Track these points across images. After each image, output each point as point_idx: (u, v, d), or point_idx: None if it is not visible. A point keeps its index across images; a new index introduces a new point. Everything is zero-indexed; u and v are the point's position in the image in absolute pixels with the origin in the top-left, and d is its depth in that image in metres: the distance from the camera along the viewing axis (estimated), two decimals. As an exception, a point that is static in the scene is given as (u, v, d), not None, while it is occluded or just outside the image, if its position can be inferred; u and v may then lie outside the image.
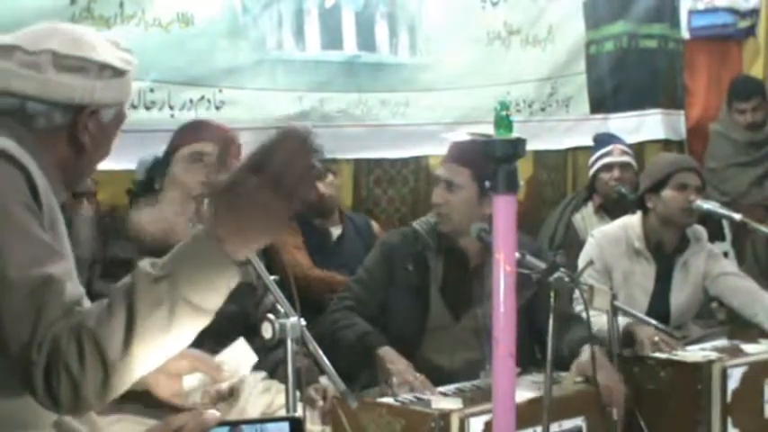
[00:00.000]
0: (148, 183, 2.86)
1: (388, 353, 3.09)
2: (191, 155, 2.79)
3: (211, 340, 2.74)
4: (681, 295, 3.99)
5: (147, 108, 4.02)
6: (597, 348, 3.05)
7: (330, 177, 4.34)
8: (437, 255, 3.33)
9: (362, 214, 4.63)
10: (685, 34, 6.44)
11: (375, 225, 4.49)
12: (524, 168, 5.43)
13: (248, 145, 4.72)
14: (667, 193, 3.91)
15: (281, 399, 2.50)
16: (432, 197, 3.38)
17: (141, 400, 2.63)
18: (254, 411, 2.72)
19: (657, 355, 3.43)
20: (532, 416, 2.67)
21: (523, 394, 2.79)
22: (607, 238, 4.00)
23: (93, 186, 3.63)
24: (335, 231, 4.38)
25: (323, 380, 2.73)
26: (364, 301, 3.32)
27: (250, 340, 2.84)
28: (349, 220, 4.42)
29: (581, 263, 3.91)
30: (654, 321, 3.53)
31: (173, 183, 2.79)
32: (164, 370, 1.93)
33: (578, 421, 2.93)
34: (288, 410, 2.28)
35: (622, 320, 3.55)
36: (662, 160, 4.21)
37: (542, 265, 2.84)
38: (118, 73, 1.87)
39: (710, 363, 3.30)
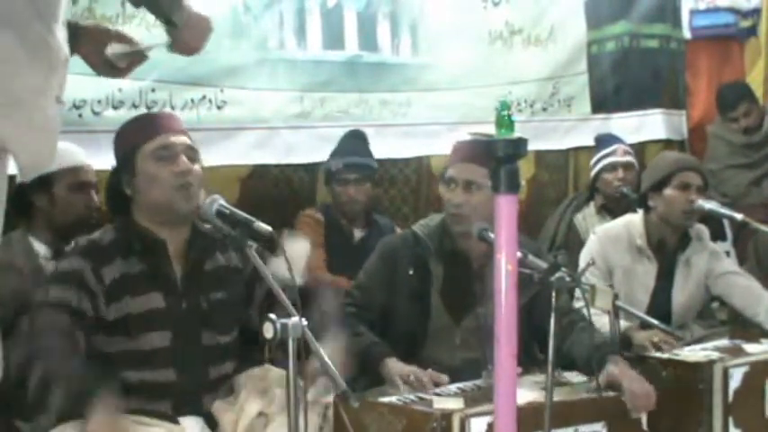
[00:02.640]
0: (117, 190, 2.83)
1: (394, 363, 3.08)
2: (157, 150, 2.76)
3: (210, 331, 2.78)
4: (682, 294, 3.99)
5: (149, 108, 4.02)
6: (619, 356, 3.06)
7: (368, 185, 4.35)
8: (438, 257, 3.32)
9: (388, 218, 4.61)
10: (687, 34, 6.44)
11: (399, 230, 4.48)
12: (525, 168, 5.43)
13: (249, 144, 4.75)
14: (669, 192, 3.91)
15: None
16: (446, 198, 3.30)
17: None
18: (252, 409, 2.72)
19: (659, 354, 3.43)
20: (542, 419, 2.64)
21: (526, 395, 2.79)
22: (609, 236, 4.00)
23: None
24: (358, 233, 4.38)
25: (323, 379, 2.73)
26: (366, 306, 3.30)
27: (243, 332, 2.87)
28: (375, 225, 4.41)
29: (582, 261, 3.92)
30: (655, 321, 3.54)
31: (148, 183, 2.76)
32: None
33: (598, 427, 2.91)
34: (289, 410, 2.28)
35: (622, 324, 3.56)
36: (664, 159, 4.20)
37: (544, 265, 2.84)
38: None
39: (712, 363, 3.30)
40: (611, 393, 2.99)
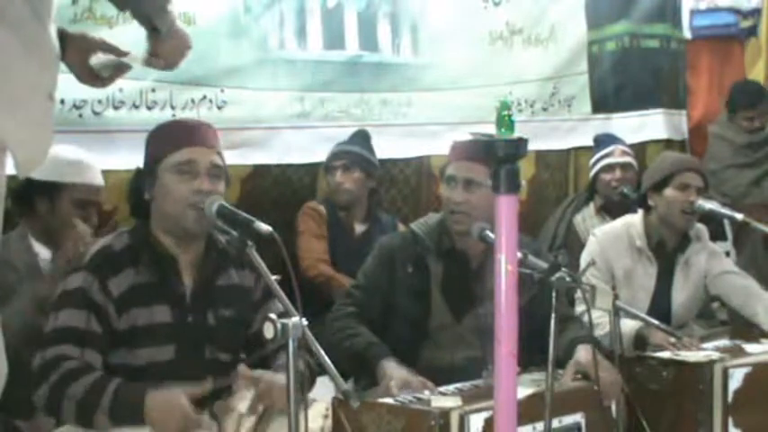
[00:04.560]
0: (137, 192, 2.81)
1: (389, 365, 3.08)
2: (179, 164, 2.71)
3: (212, 346, 2.77)
4: (682, 294, 3.99)
5: (149, 108, 4.02)
6: (591, 346, 3.06)
7: (358, 174, 4.35)
8: (437, 256, 3.32)
9: (391, 216, 4.62)
10: (687, 34, 6.44)
11: (401, 227, 4.48)
12: (526, 168, 5.43)
13: (249, 144, 4.73)
14: (669, 192, 3.91)
15: None
16: (446, 197, 3.29)
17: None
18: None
19: (659, 354, 3.43)
20: (532, 412, 2.69)
21: (522, 391, 2.79)
22: (608, 237, 4.01)
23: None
24: (359, 228, 4.39)
25: (324, 379, 2.74)
26: (366, 306, 3.30)
27: (252, 349, 2.86)
28: (376, 220, 4.42)
29: (583, 262, 3.92)
30: (656, 321, 3.54)
31: (164, 194, 2.73)
32: None
33: (577, 417, 2.93)
34: (289, 410, 2.29)
35: (634, 324, 3.57)
36: (665, 160, 4.20)
37: (544, 265, 2.84)
38: None
39: (712, 363, 3.30)
40: (584, 384, 3.00)
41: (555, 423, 2.80)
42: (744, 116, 5.88)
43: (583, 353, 3.06)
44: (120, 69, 2.41)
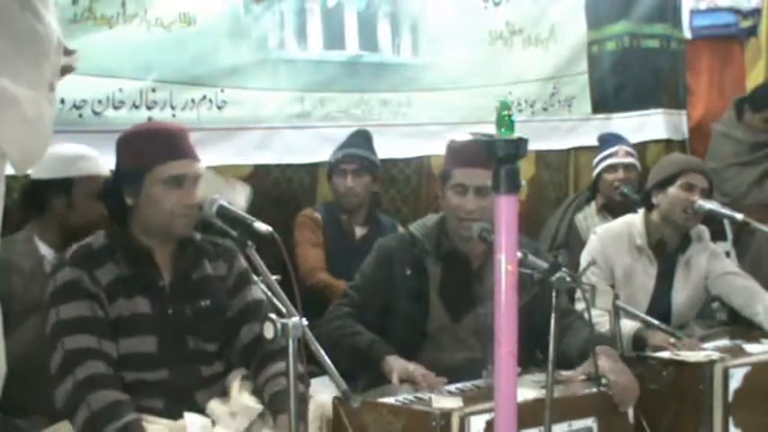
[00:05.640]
0: (116, 192, 2.82)
1: (395, 360, 3.09)
2: (169, 179, 2.74)
3: (195, 337, 2.79)
4: (682, 294, 3.99)
5: (149, 108, 4.02)
6: (610, 348, 3.06)
7: (367, 178, 4.34)
8: (436, 258, 3.32)
9: (390, 217, 4.61)
10: (687, 34, 6.43)
11: (401, 230, 4.48)
12: (526, 168, 5.43)
13: (250, 144, 4.74)
14: (673, 190, 3.93)
15: None
16: (456, 204, 3.24)
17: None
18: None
19: (659, 354, 3.43)
20: (538, 415, 2.68)
21: (526, 393, 2.80)
22: (609, 235, 4.01)
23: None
24: (360, 231, 4.39)
25: (324, 379, 2.74)
26: (363, 306, 3.30)
27: (233, 337, 2.87)
28: (376, 223, 4.41)
29: (583, 260, 3.93)
30: (656, 322, 3.54)
31: (151, 204, 2.76)
32: None
33: (589, 422, 2.92)
34: (289, 410, 2.29)
35: (633, 324, 3.57)
36: (673, 159, 4.27)
37: (544, 265, 2.84)
38: None
39: (712, 363, 3.30)
40: (596, 388, 2.99)
41: (565, 427, 2.82)
42: (763, 117, 5.81)
43: (601, 358, 3.03)
44: (63, 71, 2.30)
